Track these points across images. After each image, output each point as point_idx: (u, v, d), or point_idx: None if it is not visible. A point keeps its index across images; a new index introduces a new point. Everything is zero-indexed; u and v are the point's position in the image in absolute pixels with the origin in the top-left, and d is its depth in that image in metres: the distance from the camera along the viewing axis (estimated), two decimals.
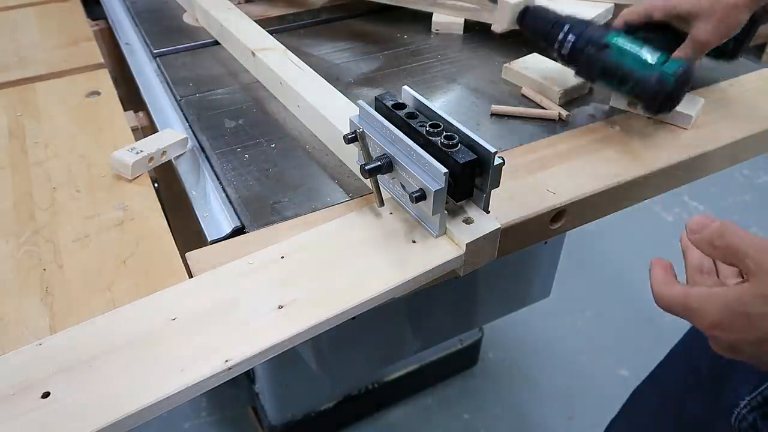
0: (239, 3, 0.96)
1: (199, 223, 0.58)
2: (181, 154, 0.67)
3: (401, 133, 0.51)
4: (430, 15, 0.92)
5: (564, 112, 0.70)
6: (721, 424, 0.59)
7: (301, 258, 0.50)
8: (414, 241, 0.51)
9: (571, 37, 0.66)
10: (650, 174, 0.62)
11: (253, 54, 0.76)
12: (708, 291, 0.40)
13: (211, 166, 0.65)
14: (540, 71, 0.75)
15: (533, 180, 0.60)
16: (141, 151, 0.62)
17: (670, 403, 0.72)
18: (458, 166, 0.48)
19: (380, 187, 0.53)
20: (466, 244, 0.50)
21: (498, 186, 0.51)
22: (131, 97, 0.83)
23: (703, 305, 0.40)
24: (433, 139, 0.50)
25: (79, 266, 0.52)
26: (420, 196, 0.48)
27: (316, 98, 0.66)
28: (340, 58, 0.85)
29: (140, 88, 0.81)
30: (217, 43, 0.88)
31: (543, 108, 0.72)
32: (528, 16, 0.74)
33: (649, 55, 0.62)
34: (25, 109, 0.74)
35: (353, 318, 0.47)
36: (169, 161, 0.66)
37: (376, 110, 0.54)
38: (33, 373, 0.42)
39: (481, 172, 0.50)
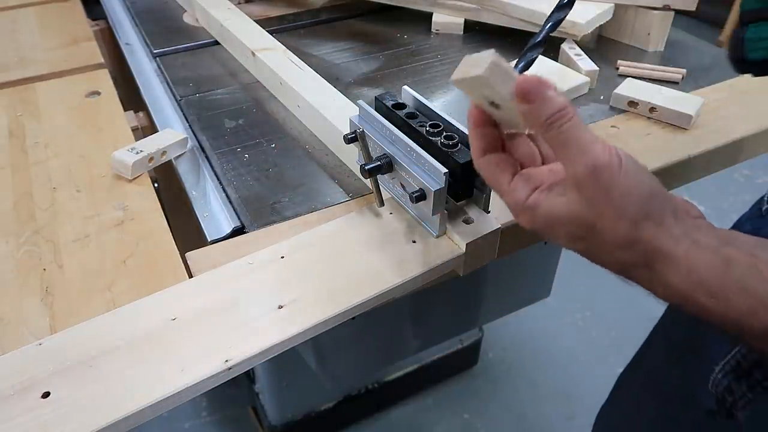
0: (239, 3, 0.97)
1: (199, 223, 0.58)
2: (181, 154, 0.67)
3: (401, 133, 0.51)
4: (430, 15, 0.92)
5: None
6: (701, 391, 0.60)
7: (301, 258, 0.50)
8: (414, 241, 0.51)
9: None
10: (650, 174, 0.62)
11: (253, 54, 0.76)
12: (522, 193, 0.39)
13: (211, 166, 0.65)
14: (540, 71, 0.75)
15: None
16: (141, 151, 0.62)
17: (654, 382, 0.73)
18: (458, 166, 0.48)
19: (380, 187, 0.53)
20: (466, 244, 0.50)
21: None
22: (131, 97, 0.83)
23: (516, 206, 0.39)
24: (433, 139, 0.50)
25: (79, 266, 0.52)
26: (420, 196, 0.48)
27: (316, 98, 0.66)
28: (340, 58, 0.85)
29: (140, 88, 0.81)
30: (217, 43, 0.88)
31: None
32: None
33: None
34: (25, 109, 0.74)
35: (353, 318, 0.47)
36: (169, 161, 0.66)
37: (376, 110, 0.54)
38: (33, 373, 0.42)
39: None
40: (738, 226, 0.61)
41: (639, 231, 0.34)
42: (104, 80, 0.80)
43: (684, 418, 0.67)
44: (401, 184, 0.52)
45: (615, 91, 0.72)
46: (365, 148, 0.52)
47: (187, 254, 0.52)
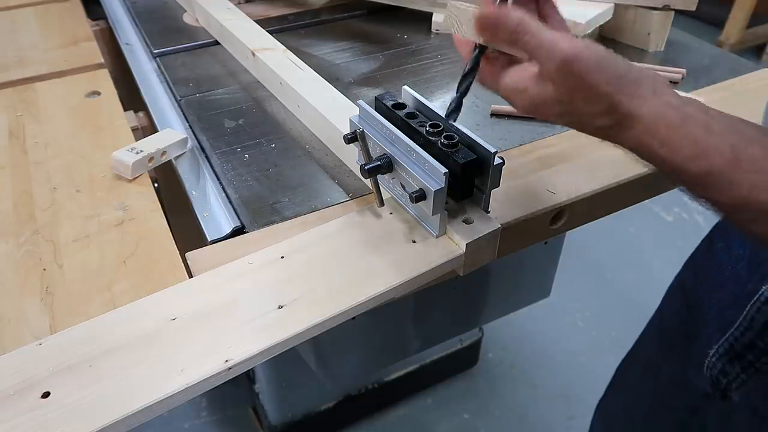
0: (239, 3, 0.97)
1: (199, 223, 0.58)
2: (181, 154, 0.67)
3: (401, 133, 0.51)
4: (430, 15, 0.92)
5: None
6: (694, 375, 0.62)
7: (301, 258, 0.50)
8: (414, 241, 0.51)
9: None
10: (650, 174, 0.62)
11: (253, 54, 0.76)
12: (514, 86, 0.45)
13: (211, 166, 0.65)
14: None
15: (533, 180, 0.60)
16: (141, 151, 0.62)
17: (649, 371, 0.75)
18: (458, 166, 0.48)
19: (380, 187, 0.53)
20: (466, 244, 0.50)
21: (498, 186, 0.51)
22: (131, 97, 0.83)
23: (514, 94, 0.45)
24: (433, 139, 0.49)
25: (79, 266, 0.52)
26: (420, 196, 0.48)
27: (316, 98, 0.66)
28: (340, 58, 0.85)
29: (140, 88, 0.81)
30: (217, 43, 0.88)
31: None
32: None
33: None
34: (25, 109, 0.74)
35: (353, 318, 0.47)
36: (169, 161, 0.66)
37: (376, 110, 0.54)
38: (33, 373, 0.42)
39: (481, 172, 0.50)
40: None
41: (613, 102, 0.40)
42: (104, 80, 0.80)
43: (679, 405, 0.68)
44: (401, 184, 0.52)
45: None
46: (365, 148, 0.52)
47: (187, 254, 0.52)
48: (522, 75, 0.44)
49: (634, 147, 0.42)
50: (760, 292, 0.53)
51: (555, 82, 0.42)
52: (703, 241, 0.68)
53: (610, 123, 0.42)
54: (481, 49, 0.47)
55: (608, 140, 0.44)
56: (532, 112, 0.45)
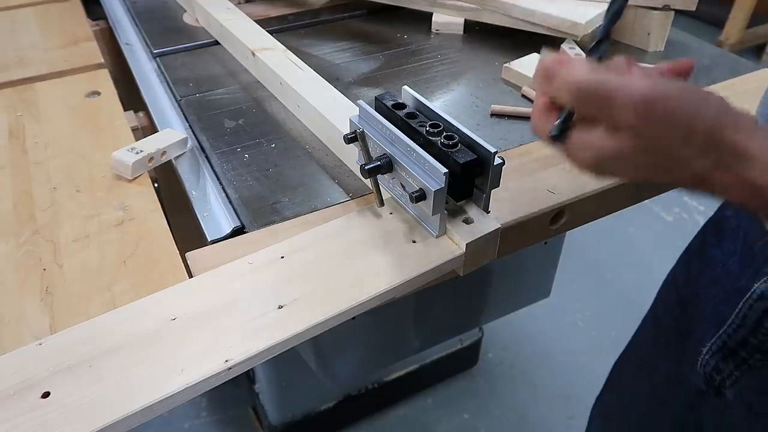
0: (239, 3, 0.97)
1: (199, 223, 0.58)
2: (181, 154, 0.67)
3: (401, 133, 0.51)
4: (430, 15, 0.92)
5: None
6: (689, 372, 0.62)
7: (301, 258, 0.50)
8: (414, 241, 0.51)
9: None
10: None
11: (253, 54, 0.76)
12: (583, 141, 0.39)
13: (211, 166, 0.65)
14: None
15: (533, 180, 0.60)
16: (141, 151, 0.62)
17: (644, 368, 0.75)
18: (458, 166, 0.48)
19: (380, 187, 0.53)
20: (466, 244, 0.50)
21: (498, 186, 0.51)
22: (131, 97, 0.83)
23: (578, 153, 0.40)
24: (433, 139, 0.50)
25: (79, 266, 0.52)
26: (420, 196, 0.48)
27: (316, 98, 0.66)
28: (340, 58, 0.85)
29: (140, 88, 0.81)
30: (217, 43, 0.88)
31: None
32: None
33: None
34: (25, 109, 0.74)
35: (353, 318, 0.47)
36: (169, 161, 0.66)
37: (376, 110, 0.54)
38: (33, 373, 0.42)
39: (481, 172, 0.50)
40: (722, 208, 0.62)
41: (714, 138, 0.35)
42: (104, 80, 0.80)
43: (674, 401, 0.68)
44: (401, 184, 0.52)
45: None
46: (365, 148, 0.52)
47: (187, 254, 0.52)
48: (586, 127, 0.39)
49: (749, 195, 0.36)
50: (752, 290, 0.52)
51: (634, 131, 0.36)
52: (696, 236, 0.68)
53: (710, 164, 0.36)
54: (568, 115, 0.41)
55: (704, 188, 0.38)
56: (600, 169, 0.39)
